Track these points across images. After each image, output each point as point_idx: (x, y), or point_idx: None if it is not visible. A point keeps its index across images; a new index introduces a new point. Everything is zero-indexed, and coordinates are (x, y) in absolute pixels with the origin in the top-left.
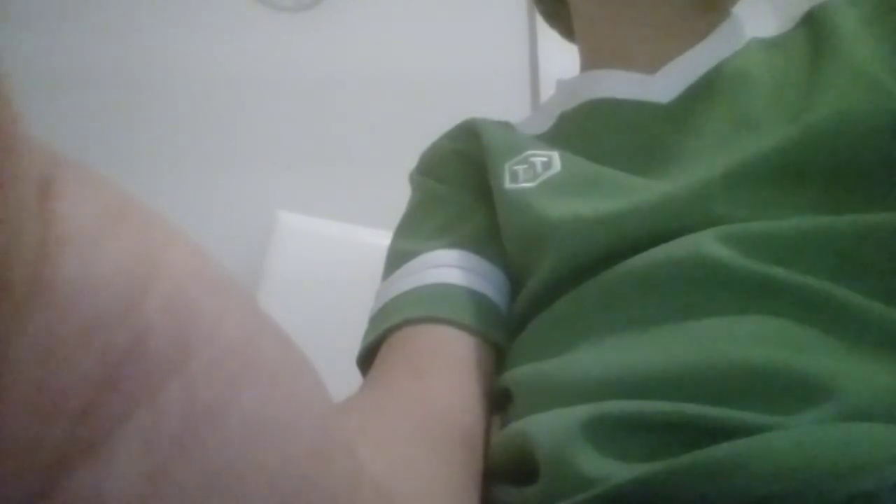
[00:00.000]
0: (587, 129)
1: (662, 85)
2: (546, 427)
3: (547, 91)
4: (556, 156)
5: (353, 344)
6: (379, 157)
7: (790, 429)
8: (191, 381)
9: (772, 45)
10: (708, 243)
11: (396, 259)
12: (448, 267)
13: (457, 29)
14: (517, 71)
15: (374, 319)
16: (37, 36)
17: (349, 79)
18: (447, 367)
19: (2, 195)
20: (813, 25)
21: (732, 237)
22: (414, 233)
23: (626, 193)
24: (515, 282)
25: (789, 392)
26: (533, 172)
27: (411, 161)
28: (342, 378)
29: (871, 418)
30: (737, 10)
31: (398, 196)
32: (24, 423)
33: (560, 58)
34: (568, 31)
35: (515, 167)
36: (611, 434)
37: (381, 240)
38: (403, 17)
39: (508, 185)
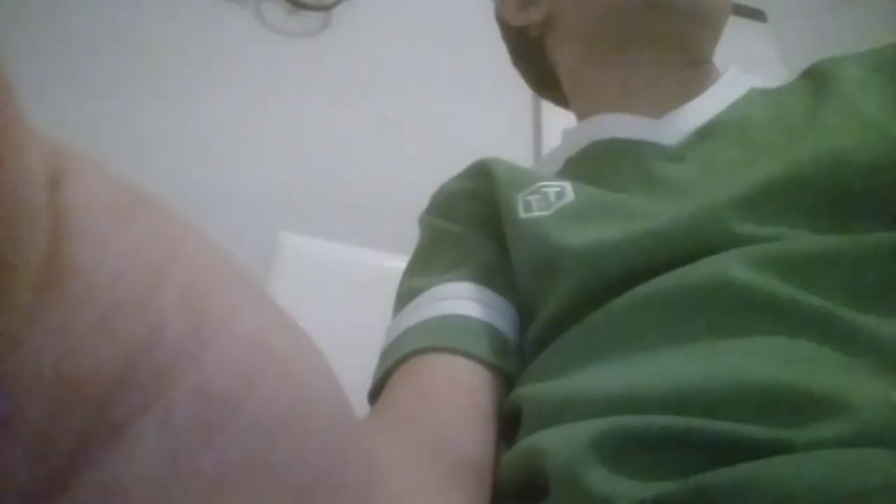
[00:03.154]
0: (594, 166)
1: (667, 129)
2: (557, 442)
3: (549, 136)
4: (568, 186)
5: (357, 365)
6: (381, 180)
7: (797, 452)
8: (205, 372)
9: (772, 92)
10: (733, 266)
11: (406, 296)
12: (457, 299)
13: (457, 64)
14: (521, 117)
15: (385, 353)
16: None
17: (353, 104)
18: (458, 395)
19: (11, 187)
20: (813, 76)
21: (756, 260)
22: (423, 270)
23: (642, 218)
24: (526, 313)
25: (802, 409)
26: (547, 202)
27: (412, 184)
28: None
29: (882, 437)
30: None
31: (401, 218)
32: (44, 410)
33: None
34: (560, 99)
35: (529, 197)
36: (622, 450)
37: (384, 261)
38: (409, 41)
39: (523, 214)
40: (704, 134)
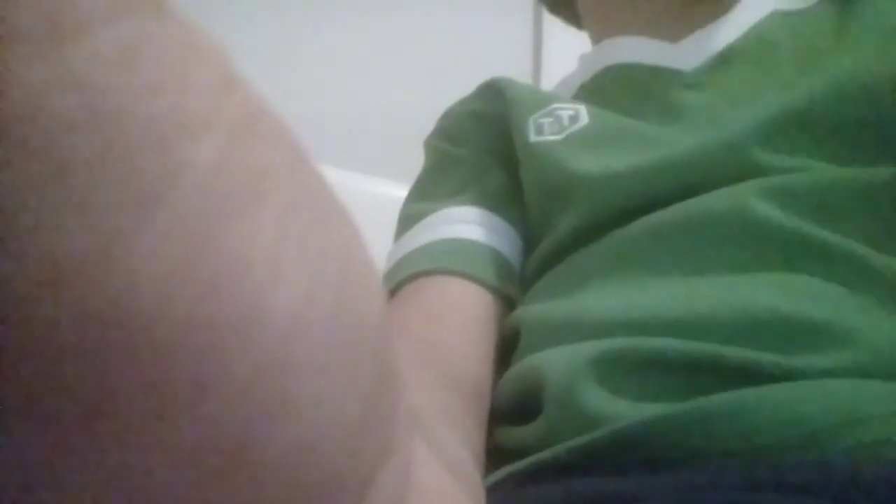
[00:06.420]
0: (608, 93)
1: (685, 53)
2: (555, 361)
3: (549, 79)
4: (583, 109)
5: None
6: (375, 100)
7: (801, 379)
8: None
9: (796, 14)
10: (751, 198)
11: (410, 219)
12: (462, 223)
13: (460, 13)
14: (521, 58)
15: (388, 275)
16: None
17: (343, 19)
18: (461, 318)
19: None
20: None
21: (774, 192)
22: (429, 195)
23: (657, 145)
24: (532, 239)
25: (808, 338)
26: (559, 125)
27: (408, 105)
28: None
29: (887, 369)
30: None
31: (390, 140)
32: None
33: (565, 44)
34: (572, 19)
35: (541, 120)
36: (621, 371)
37: (379, 188)
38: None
39: (534, 138)
40: (724, 59)
